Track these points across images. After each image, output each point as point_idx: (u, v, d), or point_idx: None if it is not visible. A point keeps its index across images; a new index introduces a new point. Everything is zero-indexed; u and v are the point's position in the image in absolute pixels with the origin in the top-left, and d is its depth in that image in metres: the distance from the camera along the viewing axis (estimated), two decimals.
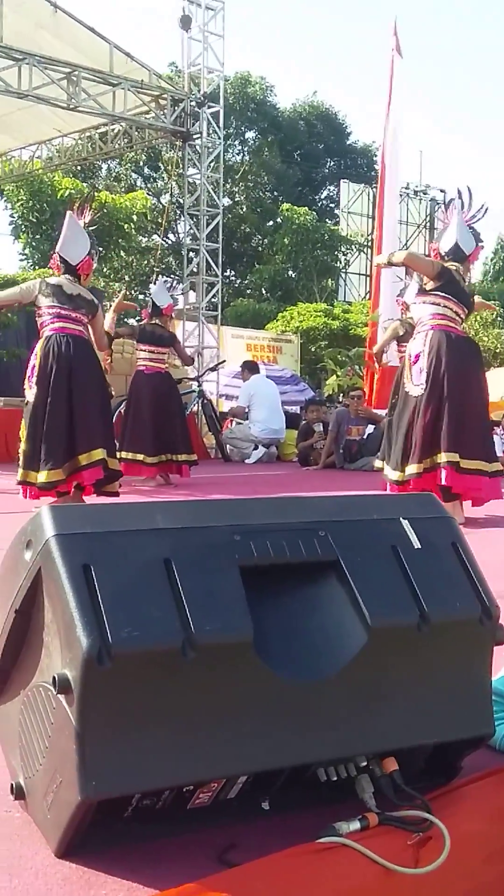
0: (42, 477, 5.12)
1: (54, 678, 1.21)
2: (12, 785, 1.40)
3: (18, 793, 1.39)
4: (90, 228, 5.71)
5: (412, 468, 5.04)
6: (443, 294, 5.21)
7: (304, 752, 1.35)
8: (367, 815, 1.33)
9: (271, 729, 1.32)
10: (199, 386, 10.50)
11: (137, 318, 11.93)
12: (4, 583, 1.43)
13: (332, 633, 1.38)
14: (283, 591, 1.41)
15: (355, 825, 1.31)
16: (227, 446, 10.72)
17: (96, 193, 19.51)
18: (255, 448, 10.38)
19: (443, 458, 5.00)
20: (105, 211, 18.47)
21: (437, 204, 27.20)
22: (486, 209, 5.49)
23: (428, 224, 27.19)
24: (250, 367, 11.29)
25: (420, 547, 1.48)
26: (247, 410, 10.65)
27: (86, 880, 1.23)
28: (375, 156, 29.45)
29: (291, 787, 1.41)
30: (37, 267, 18.59)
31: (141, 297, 24.28)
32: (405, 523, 1.51)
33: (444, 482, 4.97)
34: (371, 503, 1.58)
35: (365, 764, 1.38)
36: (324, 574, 1.43)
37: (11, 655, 1.42)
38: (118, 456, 5.95)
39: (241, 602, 1.30)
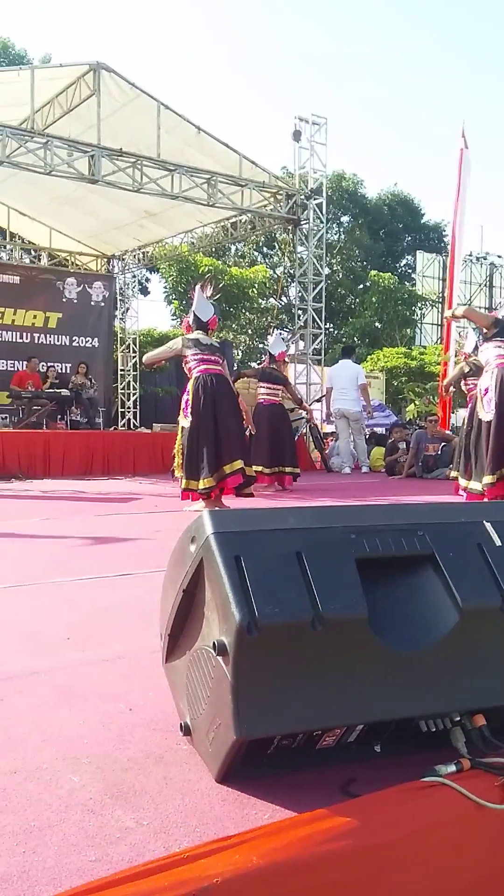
0: (201, 484, 5.23)
1: (214, 643, 1.22)
2: (181, 724, 1.41)
3: (186, 730, 1.40)
4: (213, 299, 5.98)
5: (487, 479, 4.92)
6: (502, 339, 5.11)
7: (409, 707, 1.31)
8: (461, 760, 1.27)
9: (382, 688, 1.29)
10: (308, 413, 10.47)
11: (259, 362, 12.02)
12: (174, 569, 1.45)
13: (430, 613, 1.34)
14: (390, 579, 1.37)
15: (451, 768, 1.26)
16: (331, 460, 10.64)
17: (228, 268, 19.81)
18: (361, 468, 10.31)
19: None
20: (234, 281, 18.73)
21: (496, 267, 26.42)
22: None
23: (488, 283, 26.40)
24: (342, 351, 11.14)
25: (501, 544, 1.42)
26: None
27: (239, 802, 1.23)
28: (444, 231, 28.86)
29: (398, 735, 1.37)
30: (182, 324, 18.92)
31: (261, 346, 24.49)
32: (488, 525, 1.45)
33: None
34: (459, 509, 1.53)
35: (458, 718, 1.33)
36: (422, 566, 1.38)
37: (180, 624, 1.43)
38: None
39: (358, 587, 1.28)
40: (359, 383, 10.23)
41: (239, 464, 5.31)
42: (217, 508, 4.14)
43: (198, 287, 5.80)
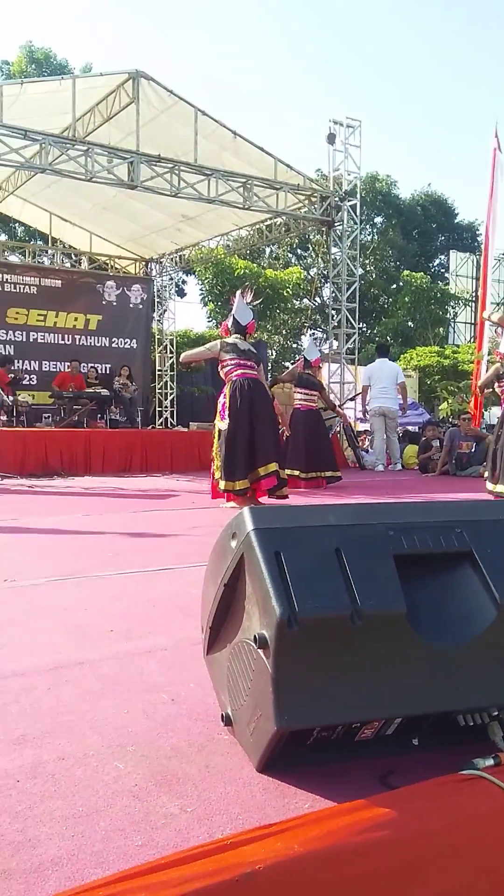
0: (238, 486, 5.30)
1: (255, 637, 1.23)
2: (223, 714, 1.43)
3: (227, 720, 1.41)
4: (253, 305, 6.01)
5: None
6: None
7: (447, 701, 1.31)
8: (499, 754, 1.26)
9: (420, 682, 1.28)
10: (342, 418, 10.42)
11: (292, 362, 12.00)
12: (215, 564, 1.46)
13: (468, 609, 1.33)
14: (428, 575, 1.36)
15: (490, 762, 1.24)
16: (364, 457, 10.59)
17: (262, 270, 19.81)
18: (393, 464, 10.23)
19: None
20: (269, 283, 18.72)
21: None
22: None
23: None
24: (377, 350, 10.91)
25: None
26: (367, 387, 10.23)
27: (280, 791, 1.23)
28: (478, 230, 28.46)
29: (436, 729, 1.36)
30: (219, 326, 18.94)
31: (294, 345, 24.45)
32: None
33: None
34: (497, 507, 1.51)
35: (496, 713, 1.32)
36: (460, 562, 1.38)
37: (221, 618, 1.45)
38: None
39: (396, 583, 1.27)
40: (398, 381, 10.15)
41: (273, 466, 5.37)
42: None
43: (238, 292, 5.89)
